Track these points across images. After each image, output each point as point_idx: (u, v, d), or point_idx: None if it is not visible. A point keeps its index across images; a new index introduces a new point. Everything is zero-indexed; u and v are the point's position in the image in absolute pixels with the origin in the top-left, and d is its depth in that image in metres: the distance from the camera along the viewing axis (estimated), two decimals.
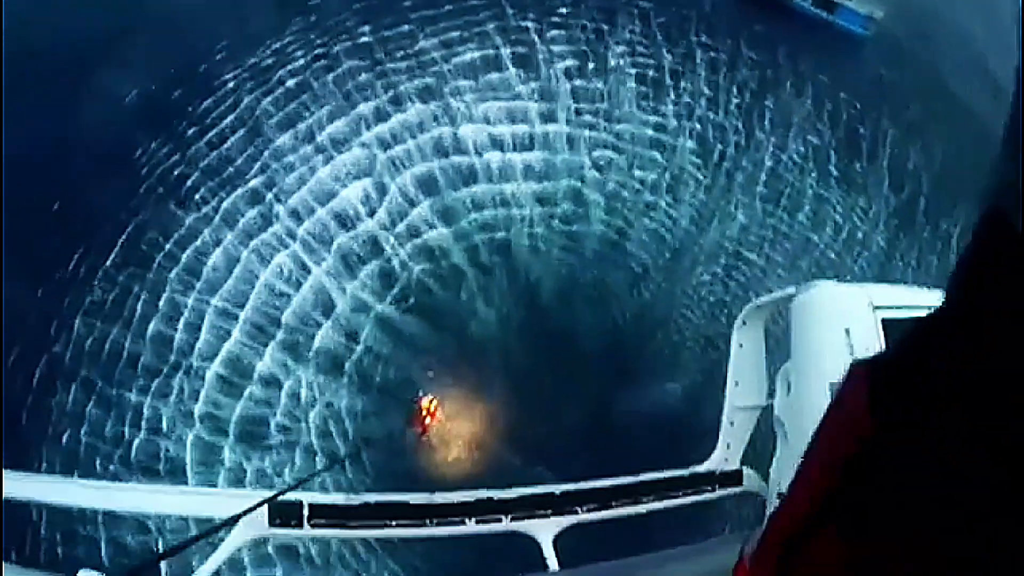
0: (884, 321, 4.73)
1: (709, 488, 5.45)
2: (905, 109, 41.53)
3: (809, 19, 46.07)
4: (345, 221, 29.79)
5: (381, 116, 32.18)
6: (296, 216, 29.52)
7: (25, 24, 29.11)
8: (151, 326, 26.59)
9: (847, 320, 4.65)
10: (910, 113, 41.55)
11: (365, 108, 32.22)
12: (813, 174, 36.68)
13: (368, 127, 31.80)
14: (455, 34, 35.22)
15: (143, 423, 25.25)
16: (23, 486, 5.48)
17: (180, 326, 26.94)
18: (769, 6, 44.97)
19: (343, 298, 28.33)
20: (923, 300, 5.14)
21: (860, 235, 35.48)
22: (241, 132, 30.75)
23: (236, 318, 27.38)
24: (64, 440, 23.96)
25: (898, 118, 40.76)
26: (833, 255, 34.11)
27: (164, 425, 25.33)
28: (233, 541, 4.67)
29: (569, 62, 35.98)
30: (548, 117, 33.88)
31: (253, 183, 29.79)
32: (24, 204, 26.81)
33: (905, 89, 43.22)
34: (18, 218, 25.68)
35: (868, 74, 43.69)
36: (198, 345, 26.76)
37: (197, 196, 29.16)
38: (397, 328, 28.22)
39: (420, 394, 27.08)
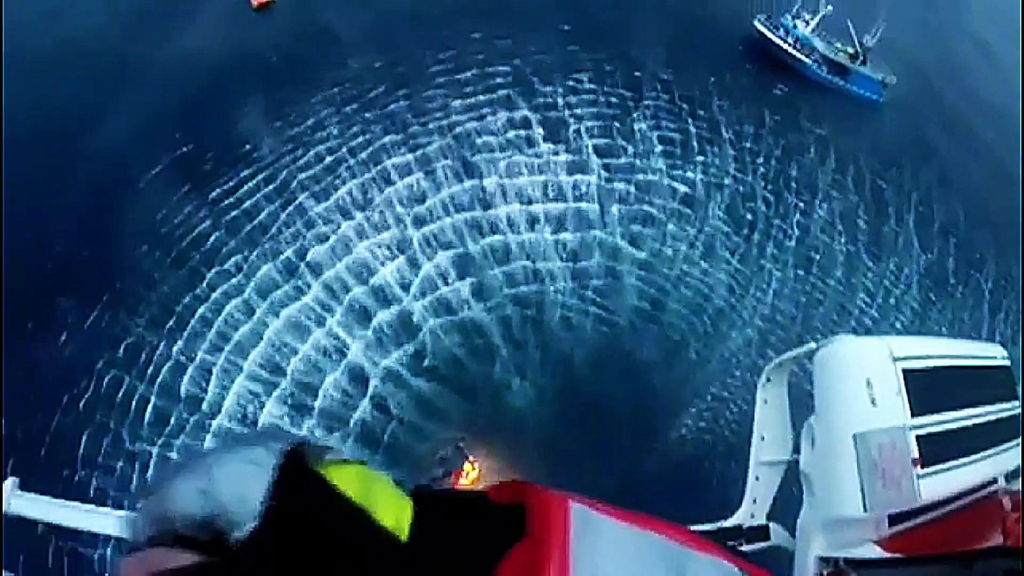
0: (905, 372, 4.71)
1: (736, 543, 5.35)
2: (925, 169, 41.49)
3: (825, 86, 46.51)
4: (380, 295, 30.01)
5: (415, 195, 32.79)
6: (330, 290, 29.84)
7: (64, 90, 30.25)
8: (183, 386, 26.93)
9: (868, 372, 4.70)
10: (930, 173, 41.48)
11: (401, 184, 32.96)
12: (842, 237, 36.64)
13: (403, 204, 32.22)
14: (487, 109, 36.02)
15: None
16: (48, 508, 5.53)
17: (211, 388, 27.21)
18: (785, 74, 45.51)
19: (377, 370, 28.34)
20: (942, 350, 5.15)
21: (893, 299, 35.12)
22: (277, 202, 31.59)
23: (274, 385, 27.53)
24: (77, 479, 23.86)
25: (919, 179, 40.75)
26: (868, 320, 33.64)
27: None
28: None
29: (597, 139, 36.57)
30: (580, 193, 34.04)
31: (287, 253, 30.47)
32: (59, 261, 27.69)
33: (924, 150, 43.28)
34: (52, 276, 26.43)
35: (887, 137, 43.94)
36: (226, 405, 26.98)
37: (231, 263, 29.87)
38: (431, 401, 28.13)
39: (466, 456, 26.84)
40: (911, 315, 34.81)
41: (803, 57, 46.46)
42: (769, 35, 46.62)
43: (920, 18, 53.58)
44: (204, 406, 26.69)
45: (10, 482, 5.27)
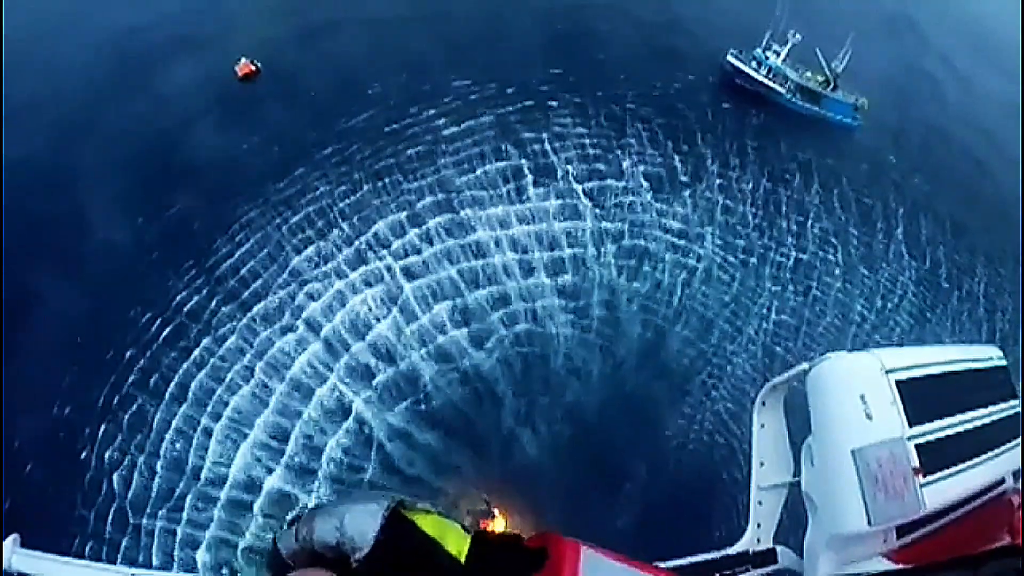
0: (898, 383, 4.62)
1: (744, 569, 5.21)
2: (907, 185, 41.70)
3: (801, 113, 46.86)
4: (379, 350, 29.85)
5: (408, 250, 32.78)
6: (330, 346, 29.61)
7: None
8: (189, 461, 26.51)
9: (861, 387, 4.64)
10: (914, 187, 41.69)
11: (396, 244, 32.96)
12: (837, 253, 36.59)
13: (396, 258, 32.37)
14: (476, 162, 36.45)
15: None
16: (52, 567, 5.43)
17: (214, 457, 26.78)
18: (761, 105, 45.88)
19: (384, 428, 28.03)
20: (934, 358, 5.05)
21: (889, 307, 34.98)
22: (272, 267, 31.59)
23: (280, 453, 27.18)
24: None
25: (903, 193, 40.90)
26: (868, 326, 33.60)
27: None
28: None
29: (588, 183, 36.84)
30: (574, 239, 34.12)
31: (286, 319, 30.24)
32: (57, 335, 27.49)
33: (903, 166, 43.54)
34: (49, 350, 26.20)
35: (866, 157, 44.23)
36: (232, 474, 26.51)
37: (227, 328, 29.63)
38: (440, 456, 27.74)
39: (491, 510, 26.47)
40: (910, 320, 34.83)
41: (777, 87, 46.85)
42: (743, 68, 47.06)
43: (886, 41, 54.21)
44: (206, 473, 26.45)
45: (11, 539, 5.17)
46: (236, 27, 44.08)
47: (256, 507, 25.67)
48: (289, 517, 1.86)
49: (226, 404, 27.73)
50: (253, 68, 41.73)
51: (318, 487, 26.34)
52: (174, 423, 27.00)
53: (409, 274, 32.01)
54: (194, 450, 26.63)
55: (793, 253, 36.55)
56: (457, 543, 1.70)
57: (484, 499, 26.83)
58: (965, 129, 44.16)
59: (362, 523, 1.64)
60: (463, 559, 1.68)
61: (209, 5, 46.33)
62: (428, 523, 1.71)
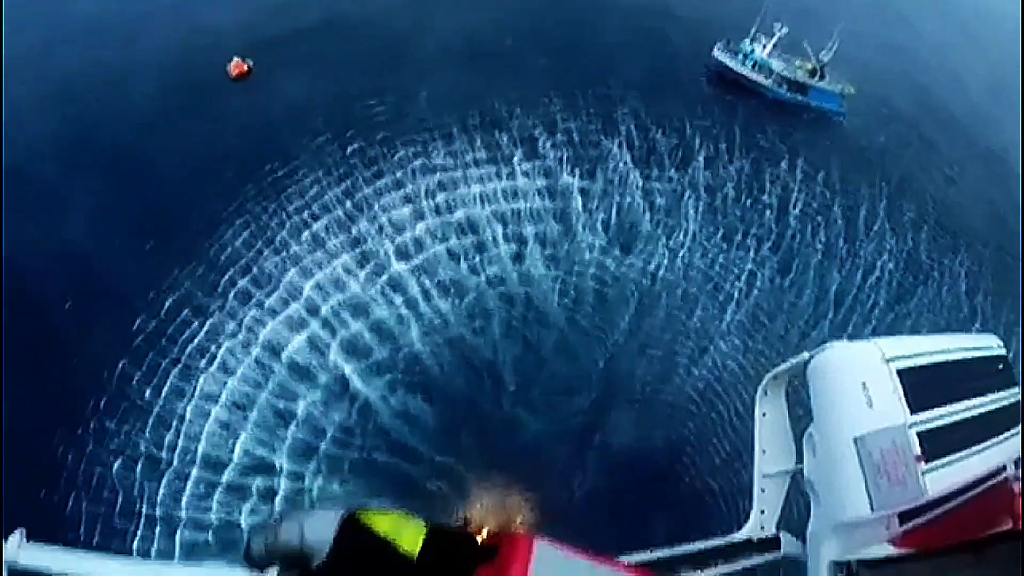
0: (899, 371, 4.53)
1: (747, 555, 5.13)
2: (893, 166, 41.76)
3: (788, 103, 46.80)
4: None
5: (403, 229, 32.85)
6: (327, 324, 29.55)
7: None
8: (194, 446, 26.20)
9: (862, 375, 4.56)
10: (899, 169, 41.75)
11: (392, 224, 32.96)
12: (818, 235, 36.70)
13: (391, 240, 32.37)
14: (468, 153, 36.29)
15: None
16: (62, 559, 5.23)
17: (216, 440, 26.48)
18: (749, 95, 45.83)
19: (382, 403, 27.87)
20: (934, 346, 4.96)
21: (869, 283, 35.07)
22: (267, 250, 31.42)
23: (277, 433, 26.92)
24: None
25: (888, 176, 40.96)
26: (848, 303, 33.65)
27: None
28: None
29: (576, 165, 37.12)
30: (561, 218, 34.33)
31: (283, 299, 30.03)
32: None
33: (890, 149, 43.57)
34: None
35: (852, 143, 44.28)
36: (235, 456, 26.24)
37: (225, 311, 29.43)
38: (438, 432, 27.53)
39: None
40: (889, 297, 34.92)
41: (762, 80, 46.83)
42: (728, 63, 47.02)
43: (875, 30, 54.12)
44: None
45: (17, 534, 4.96)
46: (229, 24, 43.52)
47: (255, 488, 25.41)
48: (261, 522, 1.79)
49: (225, 385, 27.50)
50: (246, 68, 41.15)
51: (316, 467, 26.05)
52: (176, 408, 26.70)
53: (402, 254, 32.07)
54: (196, 434, 26.34)
55: (775, 232, 36.70)
56: (411, 540, 1.76)
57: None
58: (952, 113, 44.07)
59: (320, 528, 1.76)
60: (414, 556, 1.74)
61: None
62: (384, 523, 1.78)
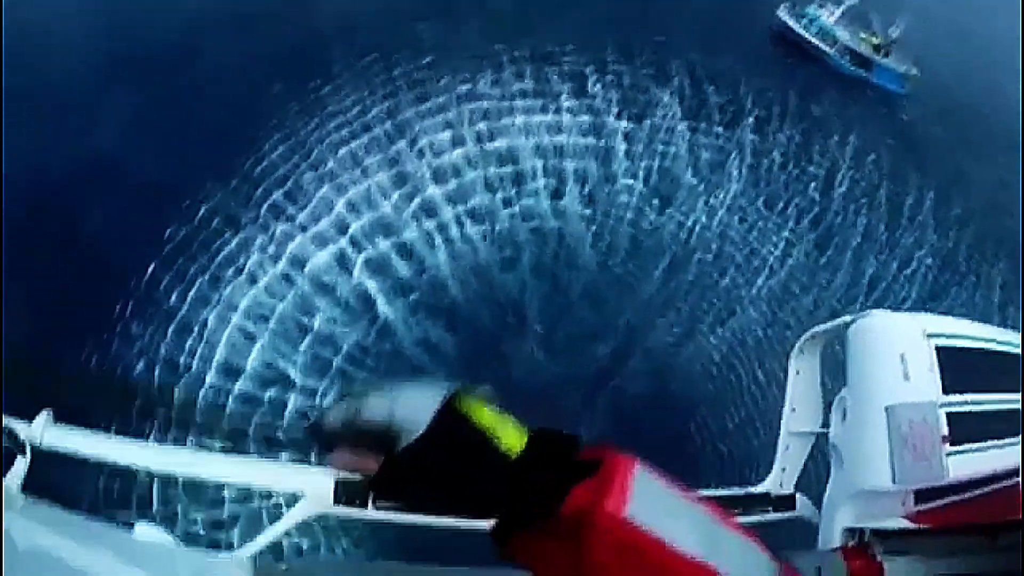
0: (938, 349, 4.54)
1: (763, 510, 5.24)
2: (948, 159, 40.87)
3: (848, 76, 45.81)
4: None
5: (442, 176, 32.57)
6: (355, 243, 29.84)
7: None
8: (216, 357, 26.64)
9: (902, 346, 4.56)
10: (953, 163, 40.84)
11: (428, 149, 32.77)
12: (859, 217, 36.23)
13: (428, 165, 32.36)
14: (514, 84, 36.10)
15: None
16: (85, 442, 5.30)
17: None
18: (810, 62, 44.89)
19: (403, 325, 28.21)
20: (974, 331, 4.97)
21: (903, 277, 34.68)
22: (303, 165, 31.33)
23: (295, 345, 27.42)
24: None
25: (941, 167, 40.07)
26: (879, 293, 33.37)
27: None
28: (296, 513, 4.51)
29: (624, 112, 36.50)
30: (604, 164, 34.05)
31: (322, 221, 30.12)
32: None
33: (947, 140, 42.59)
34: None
35: (908, 127, 43.28)
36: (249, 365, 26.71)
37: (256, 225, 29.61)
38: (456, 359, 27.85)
39: None
40: (920, 292, 34.57)
41: (826, 48, 45.81)
42: (792, 24, 46.04)
43: (949, 14, 52.50)
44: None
45: (43, 415, 5.08)
46: None
47: (267, 398, 25.85)
48: (339, 394, 1.74)
49: (250, 295, 27.86)
50: None
51: (329, 384, 26.41)
52: (200, 315, 27.06)
53: (438, 178, 32.13)
54: (218, 341, 26.69)
55: (817, 207, 36.20)
56: (511, 439, 1.57)
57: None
58: (1018, 115, 42.81)
59: (416, 407, 1.52)
60: (512, 455, 1.55)
61: None
62: (486, 416, 1.59)
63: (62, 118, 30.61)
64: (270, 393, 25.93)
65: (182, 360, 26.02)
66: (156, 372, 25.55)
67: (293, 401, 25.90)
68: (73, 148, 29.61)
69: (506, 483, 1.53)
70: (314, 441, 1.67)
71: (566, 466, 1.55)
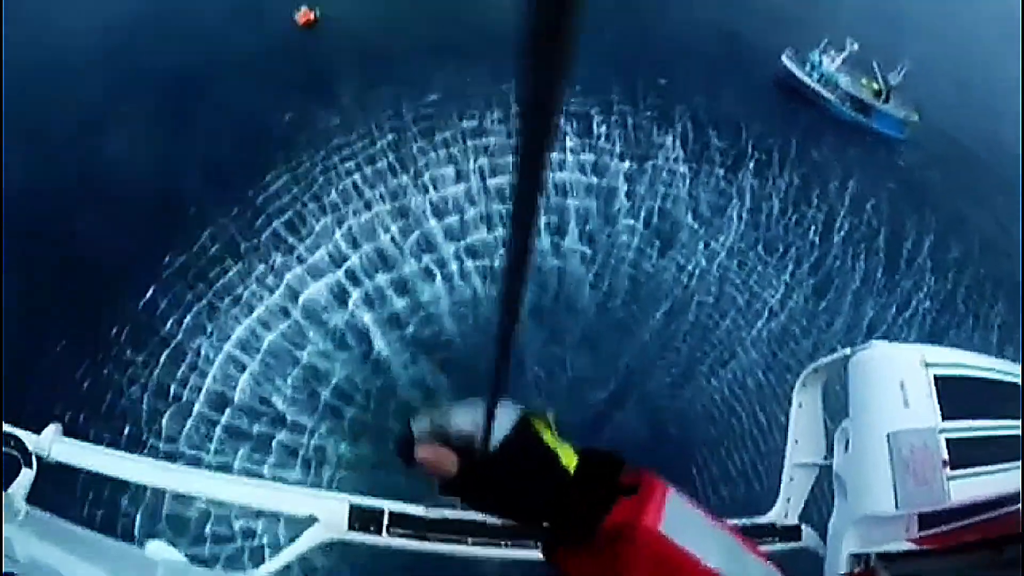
0: (936, 377, 4.69)
1: (769, 540, 5.34)
2: (945, 203, 41.12)
3: (847, 122, 46.28)
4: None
5: (442, 211, 32.88)
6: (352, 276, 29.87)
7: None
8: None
9: (901, 375, 4.71)
10: (951, 207, 41.11)
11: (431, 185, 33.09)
12: (857, 262, 36.41)
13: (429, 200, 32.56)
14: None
15: None
16: (94, 457, 5.37)
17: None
18: (811, 107, 45.41)
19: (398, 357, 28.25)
20: (972, 360, 5.10)
21: (901, 320, 34.78)
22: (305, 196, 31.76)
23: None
24: None
25: (939, 212, 40.32)
26: (878, 336, 33.27)
27: None
28: (310, 538, 4.61)
29: (627, 156, 36.91)
30: (605, 210, 34.18)
31: (336, 238, 30.52)
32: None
33: (945, 185, 42.90)
34: None
35: (907, 172, 43.58)
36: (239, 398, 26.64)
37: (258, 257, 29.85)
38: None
39: None
40: (919, 335, 34.39)
41: (827, 94, 46.34)
42: (795, 71, 46.63)
43: (949, 60, 53.12)
44: None
45: (52, 428, 5.17)
46: None
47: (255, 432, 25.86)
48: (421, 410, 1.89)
49: (246, 326, 27.97)
50: (313, 17, 41.52)
51: (318, 421, 26.46)
52: (194, 343, 27.13)
53: (438, 213, 32.52)
54: (209, 371, 26.70)
55: (816, 251, 36.38)
56: (568, 458, 1.84)
57: None
58: (1017, 161, 43.15)
59: (497, 423, 1.77)
60: (571, 470, 1.82)
61: None
62: (548, 435, 1.86)
63: (68, 140, 31.13)
64: (257, 427, 25.91)
65: (173, 388, 26.02)
66: (145, 398, 25.56)
67: (280, 435, 25.94)
68: (78, 170, 30.10)
69: (561, 495, 1.81)
70: (405, 438, 1.89)
71: (610, 485, 1.81)
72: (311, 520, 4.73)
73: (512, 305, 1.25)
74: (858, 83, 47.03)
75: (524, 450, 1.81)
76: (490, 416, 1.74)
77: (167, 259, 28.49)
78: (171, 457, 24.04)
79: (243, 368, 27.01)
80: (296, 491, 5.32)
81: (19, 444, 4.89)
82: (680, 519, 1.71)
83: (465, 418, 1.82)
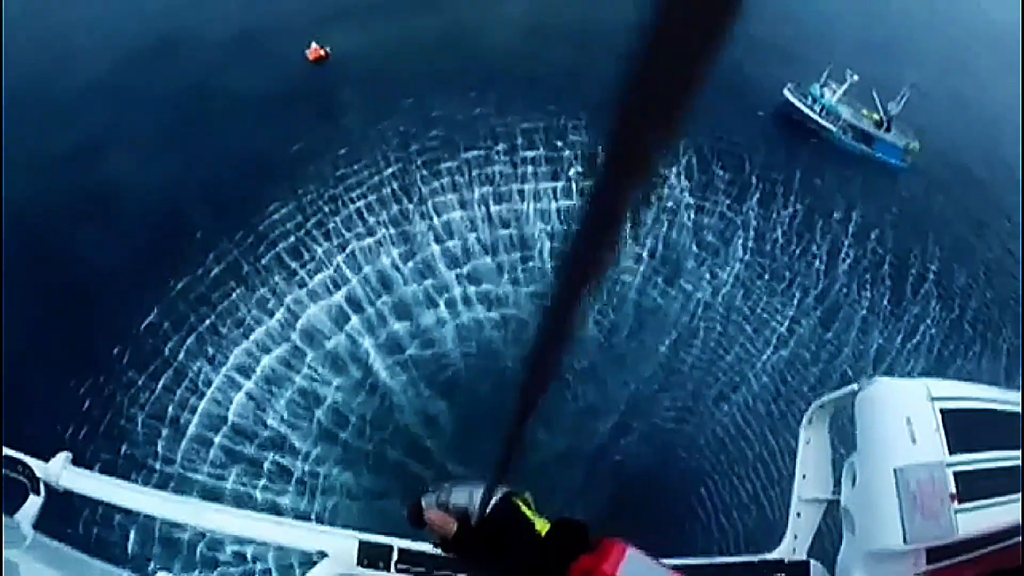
0: (943, 411, 4.76)
1: None
2: (949, 230, 41.16)
3: (849, 152, 46.52)
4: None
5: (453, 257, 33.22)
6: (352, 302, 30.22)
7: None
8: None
9: (907, 410, 4.76)
10: (955, 234, 41.13)
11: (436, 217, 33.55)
12: (863, 292, 36.39)
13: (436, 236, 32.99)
14: (522, 167, 36.68)
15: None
16: (104, 487, 5.42)
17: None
18: (811, 138, 45.67)
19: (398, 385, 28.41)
20: (977, 393, 5.16)
21: (908, 348, 34.68)
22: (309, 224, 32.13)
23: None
24: None
25: (942, 239, 40.33)
26: (885, 366, 33.30)
27: None
28: (319, 573, 4.69)
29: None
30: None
31: (336, 261, 31.05)
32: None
33: (948, 213, 42.94)
34: None
35: (909, 201, 43.63)
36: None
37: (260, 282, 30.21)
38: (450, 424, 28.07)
39: None
40: (926, 363, 34.26)
41: (829, 125, 46.67)
42: (797, 104, 46.98)
43: (951, 88, 53.33)
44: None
45: (62, 456, 5.23)
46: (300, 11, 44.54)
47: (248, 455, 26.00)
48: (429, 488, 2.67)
49: (250, 353, 28.26)
50: (323, 53, 42.34)
51: (318, 450, 26.67)
52: (195, 368, 27.41)
53: (450, 258, 32.69)
54: (212, 397, 27.05)
55: (821, 283, 36.38)
56: (541, 525, 2.43)
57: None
58: (1017, 182, 43.23)
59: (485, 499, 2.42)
60: (544, 535, 2.40)
61: None
62: (526, 508, 2.49)
63: (76, 164, 31.46)
64: (251, 451, 26.16)
65: (172, 409, 26.35)
66: (146, 419, 25.88)
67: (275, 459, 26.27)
68: (84, 193, 30.41)
69: (535, 553, 2.33)
70: (416, 506, 2.60)
71: (575, 544, 2.29)
72: (321, 555, 4.83)
73: (526, 410, 1.77)
74: (859, 114, 47.35)
75: (507, 519, 2.43)
76: (489, 495, 2.36)
77: (171, 282, 28.95)
78: (168, 477, 24.46)
79: (240, 389, 27.48)
80: (306, 527, 5.39)
81: (28, 471, 4.95)
82: (638, 570, 2.09)
83: (462, 495, 2.51)
